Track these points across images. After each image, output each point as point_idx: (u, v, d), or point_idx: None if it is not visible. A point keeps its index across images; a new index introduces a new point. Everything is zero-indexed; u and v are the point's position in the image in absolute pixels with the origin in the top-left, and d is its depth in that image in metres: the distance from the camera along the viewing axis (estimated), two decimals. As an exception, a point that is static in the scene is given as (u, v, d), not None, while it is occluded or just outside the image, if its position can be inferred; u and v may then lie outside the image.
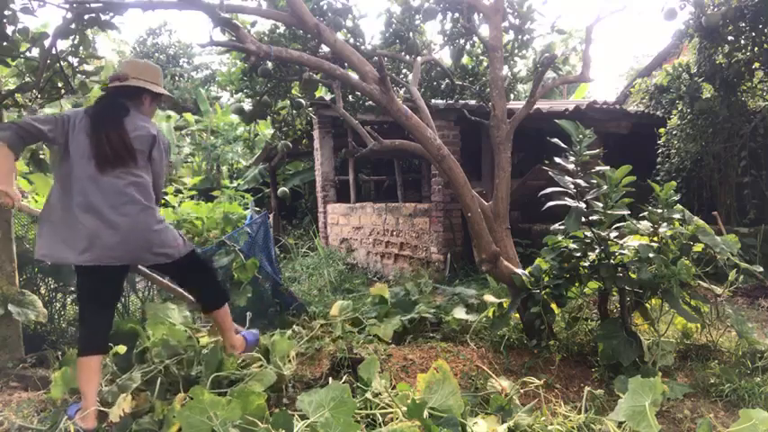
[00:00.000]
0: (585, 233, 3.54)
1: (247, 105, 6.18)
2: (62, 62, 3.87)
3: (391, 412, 2.60)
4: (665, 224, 3.48)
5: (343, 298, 5.97)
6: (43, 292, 4.34)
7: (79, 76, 4.09)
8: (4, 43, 3.62)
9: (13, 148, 2.55)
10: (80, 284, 2.90)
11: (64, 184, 2.71)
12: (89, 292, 2.84)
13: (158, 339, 3.30)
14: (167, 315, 3.51)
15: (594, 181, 3.55)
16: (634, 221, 3.58)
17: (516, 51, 6.05)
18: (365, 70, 3.80)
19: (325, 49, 4.92)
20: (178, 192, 5.97)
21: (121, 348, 3.27)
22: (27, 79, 3.92)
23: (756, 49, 6.49)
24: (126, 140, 2.73)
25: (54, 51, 3.74)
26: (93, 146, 2.70)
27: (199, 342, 3.49)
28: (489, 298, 4.26)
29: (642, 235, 3.53)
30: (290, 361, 3.36)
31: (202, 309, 3.30)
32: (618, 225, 3.56)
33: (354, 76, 3.91)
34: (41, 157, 4.14)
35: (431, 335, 4.17)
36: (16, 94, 3.90)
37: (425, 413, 2.49)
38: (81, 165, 2.69)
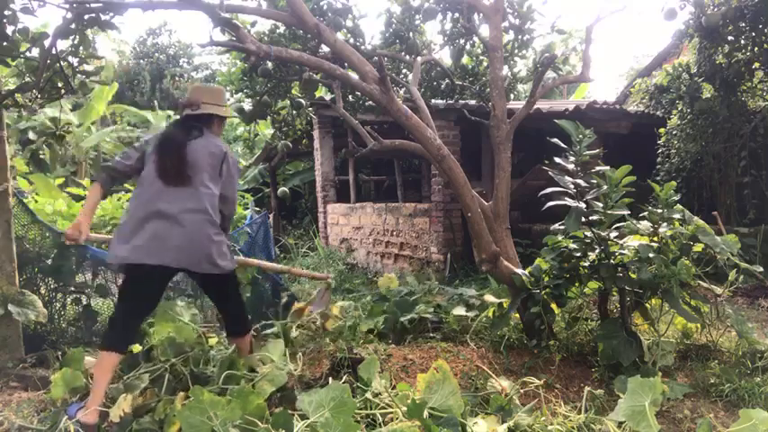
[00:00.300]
0: (585, 233, 3.54)
1: (247, 105, 6.18)
2: (62, 62, 3.86)
3: (391, 412, 2.60)
4: (665, 224, 3.48)
5: (343, 298, 5.97)
6: (43, 292, 4.34)
7: (79, 76, 4.08)
8: (4, 43, 3.62)
9: (104, 188, 3.10)
10: (129, 283, 3.05)
11: (139, 195, 3.04)
12: (135, 292, 3.01)
13: (164, 338, 3.30)
14: (175, 313, 3.51)
15: (594, 181, 3.55)
16: (634, 221, 3.58)
17: (516, 51, 6.05)
18: (365, 70, 3.80)
19: (325, 49, 4.92)
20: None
21: (136, 348, 3.28)
22: (27, 79, 3.92)
23: (756, 49, 6.49)
24: (194, 159, 3.04)
25: (54, 51, 3.74)
26: (165, 162, 3.03)
27: (207, 341, 3.51)
28: (489, 298, 4.26)
29: (642, 235, 3.53)
30: (296, 361, 3.38)
31: (227, 333, 3.49)
32: (618, 225, 3.56)
33: (354, 76, 3.91)
34: (41, 157, 4.14)
35: (431, 335, 4.17)
36: (16, 94, 3.90)
37: (425, 413, 2.49)
38: (155, 178, 3.01)
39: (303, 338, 4.02)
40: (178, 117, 3.37)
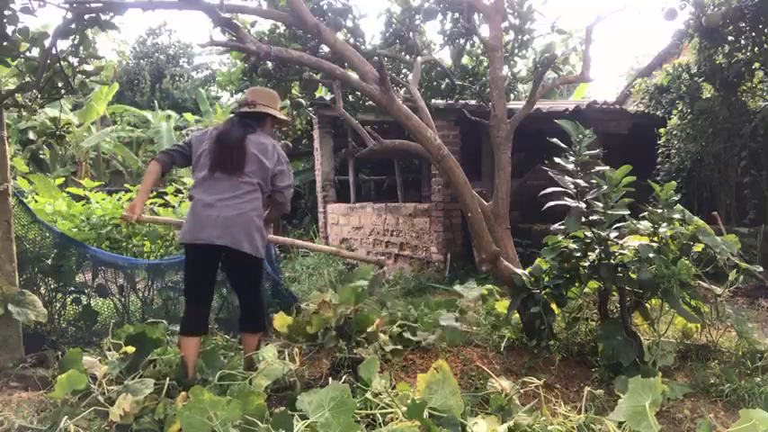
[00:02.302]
0: (585, 233, 3.54)
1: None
2: (62, 62, 3.86)
3: (391, 412, 2.60)
4: (665, 224, 3.48)
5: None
6: (43, 292, 4.34)
7: (79, 76, 4.08)
8: (4, 43, 3.61)
9: (163, 168, 3.42)
10: (188, 264, 3.36)
11: (196, 185, 3.34)
12: (190, 273, 3.35)
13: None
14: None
15: (594, 181, 3.55)
16: (634, 221, 3.58)
17: (516, 51, 6.06)
18: (365, 70, 3.80)
19: (325, 49, 4.93)
20: (178, 192, 5.97)
21: (130, 349, 3.30)
22: (27, 79, 3.92)
23: (756, 49, 6.49)
24: (247, 152, 3.30)
25: (54, 51, 3.73)
26: (217, 155, 3.30)
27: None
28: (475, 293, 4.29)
29: (642, 235, 3.53)
30: (294, 358, 3.38)
31: (239, 327, 3.56)
32: (618, 225, 3.56)
33: (354, 76, 3.91)
34: (41, 157, 4.14)
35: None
36: (16, 94, 3.90)
37: (425, 413, 2.49)
38: (212, 167, 3.29)
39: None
40: (233, 114, 3.64)
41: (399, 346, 3.70)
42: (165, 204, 5.81)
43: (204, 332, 3.40)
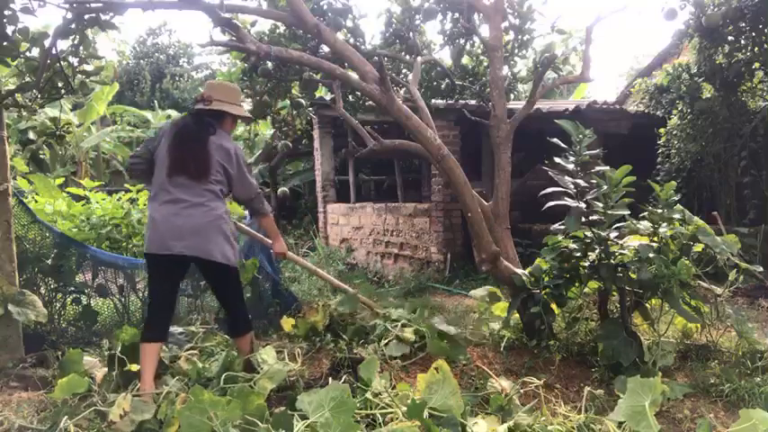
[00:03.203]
0: (585, 233, 3.54)
1: (247, 105, 6.18)
2: (62, 62, 3.86)
3: (391, 412, 2.60)
4: (665, 224, 3.48)
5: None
6: (43, 292, 4.34)
7: (79, 76, 4.08)
8: (4, 43, 3.61)
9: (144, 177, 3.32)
10: (150, 275, 3.22)
11: (157, 189, 3.15)
12: (156, 282, 3.19)
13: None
14: None
15: (594, 181, 3.55)
16: (634, 221, 3.58)
17: (516, 51, 6.06)
18: (365, 70, 3.80)
19: (325, 49, 4.93)
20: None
21: (134, 367, 3.22)
22: (27, 79, 3.92)
23: (756, 49, 6.49)
24: (210, 157, 3.11)
25: (54, 51, 3.73)
26: (176, 158, 3.09)
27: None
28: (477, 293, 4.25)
29: (642, 235, 3.53)
30: (296, 358, 3.38)
31: (228, 332, 3.57)
32: (618, 225, 3.56)
33: (354, 76, 3.91)
34: (41, 157, 4.14)
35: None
36: (16, 94, 3.90)
37: (425, 413, 2.49)
38: (170, 171, 3.09)
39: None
40: (190, 111, 3.40)
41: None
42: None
43: (164, 341, 3.23)
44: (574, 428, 2.62)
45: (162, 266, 3.13)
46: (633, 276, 3.40)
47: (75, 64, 4.03)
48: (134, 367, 3.17)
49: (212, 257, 3.09)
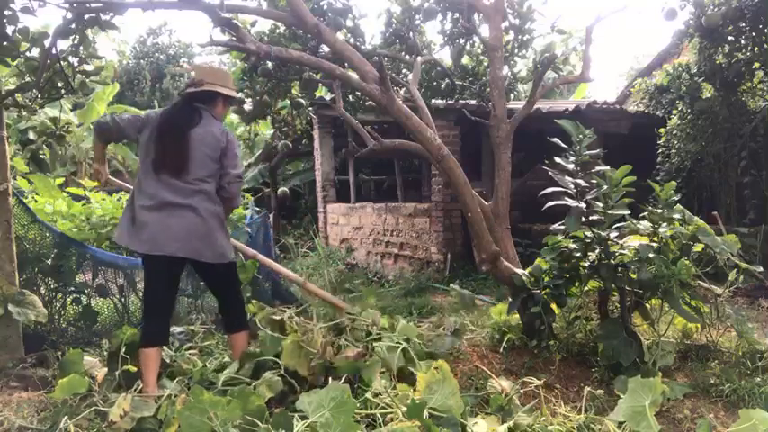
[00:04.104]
0: (585, 233, 3.54)
1: (247, 105, 6.18)
2: (62, 62, 3.86)
3: (391, 412, 2.60)
4: (665, 224, 3.48)
5: (343, 298, 5.97)
6: (43, 292, 4.34)
7: (79, 76, 4.08)
8: (4, 43, 3.61)
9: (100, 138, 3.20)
10: (146, 275, 3.16)
11: (141, 181, 3.07)
12: (152, 281, 3.12)
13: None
14: None
15: (594, 181, 3.55)
16: (634, 221, 3.58)
17: (516, 51, 6.05)
18: (365, 70, 3.80)
19: (325, 49, 4.92)
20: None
21: (132, 368, 3.20)
22: (27, 79, 3.92)
23: (756, 49, 6.49)
24: (191, 152, 3.02)
25: (54, 51, 3.73)
26: (158, 153, 3.03)
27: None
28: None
29: (642, 235, 3.53)
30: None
31: (224, 328, 3.51)
32: (618, 225, 3.56)
33: (354, 76, 3.90)
34: (41, 157, 4.14)
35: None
36: (16, 94, 3.90)
37: (425, 413, 2.49)
38: (154, 166, 3.03)
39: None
40: (181, 97, 3.32)
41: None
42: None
43: (165, 344, 3.21)
44: (574, 428, 2.62)
45: (157, 267, 3.07)
46: (633, 276, 3.40)
47: (75, 64, 4.03)
48: (132, 369, 3.15)
49: (204, 259, 3.06)
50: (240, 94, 3.40)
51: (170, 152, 3.02)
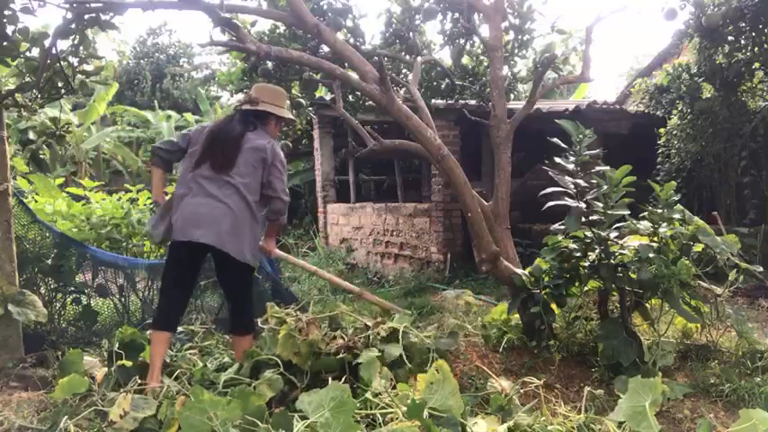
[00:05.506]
0: (585, 233, 3.54)
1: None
2: (62, 62, 3.86)
3: (391, 412, 2.60)
4: (665, 224, 3.48)
5: (343, 299, 5.97)
6: (43, 292, 4.34)
7: (79, 76, 4.08)
8: (5, 43, 3.61)
9: (162, 169, 3.43)
10: (167, 263, 3.31)
11: (182, 180, 3.26)
12: (171, 269, 3.28)
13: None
14: None
15: (594, 181, 3.55)
16: (634, 221, 3.58)
17: (516, 51, 6.05)
18: (365, 70, 3.80)
19: (325, 49, 4.92)
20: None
21: (128, 363, 3.22)
22: (27, 79, 3.92)
23: (756, 49, 6.49)
24: (241, 151, 3.20)
25: (54, 51, 3.73)
26: (206, 148, 3.22)
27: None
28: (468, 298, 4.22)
29: (642, 235, 3.53)
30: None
31: (230, 329, 3.55)
32: (618, 225, 3.56)
33: (354, 76, 3.90)
34: (41, 157, 4.13)
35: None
36: (16, 94, 3.90)
37: (425, 413, 2.49)
38: (200, 163, 3.21)
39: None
40: (235, 111, 3.50)
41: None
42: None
43: (172, 330, 3.29)
44: (574, 428, 2.62)
45: (179, 253, 3.22)
46: (633, 276, 3.40)
47: (76, 64, 4.03)
48: (128, 363, 3.18)
49: (224, 249, 3.13)
50: (290, 114, 3.58)
51: (217, 150, 3.20)
